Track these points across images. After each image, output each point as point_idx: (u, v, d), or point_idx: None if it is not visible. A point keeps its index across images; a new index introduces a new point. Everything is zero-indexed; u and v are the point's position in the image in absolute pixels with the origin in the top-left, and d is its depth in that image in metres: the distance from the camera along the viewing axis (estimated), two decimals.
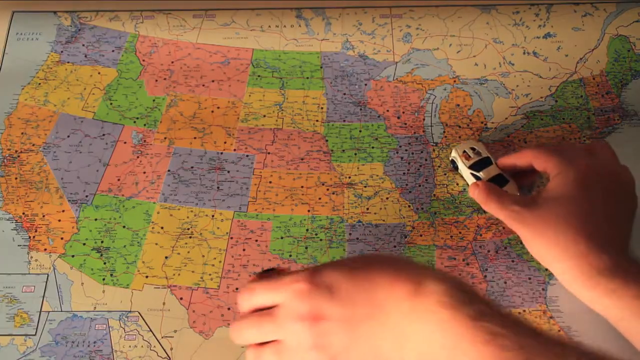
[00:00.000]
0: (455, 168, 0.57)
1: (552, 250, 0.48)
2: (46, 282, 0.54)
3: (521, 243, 0.54)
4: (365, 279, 0.40)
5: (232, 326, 0.44)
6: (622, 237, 0.49)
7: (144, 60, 0.64)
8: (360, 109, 0.61)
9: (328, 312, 0.39)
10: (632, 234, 0.50)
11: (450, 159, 0.58)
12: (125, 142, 0.60)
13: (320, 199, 0.57)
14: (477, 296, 0.39)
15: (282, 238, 0.55)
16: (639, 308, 0.44)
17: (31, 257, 0.55)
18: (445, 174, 0.58)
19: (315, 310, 0.39)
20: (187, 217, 0.56)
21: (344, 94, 0.62)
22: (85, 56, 0.65)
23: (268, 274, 0.44)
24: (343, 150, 0.59)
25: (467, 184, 0.56)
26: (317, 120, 0.61)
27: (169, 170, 0.58)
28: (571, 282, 0.47)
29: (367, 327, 0.39)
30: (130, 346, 0.51)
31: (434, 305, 0.38)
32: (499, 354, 0.35)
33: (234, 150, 0.59)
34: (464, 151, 0.56)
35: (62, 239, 0.55)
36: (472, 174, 0.55)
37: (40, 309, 0.53)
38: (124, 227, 0.56)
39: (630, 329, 0.45)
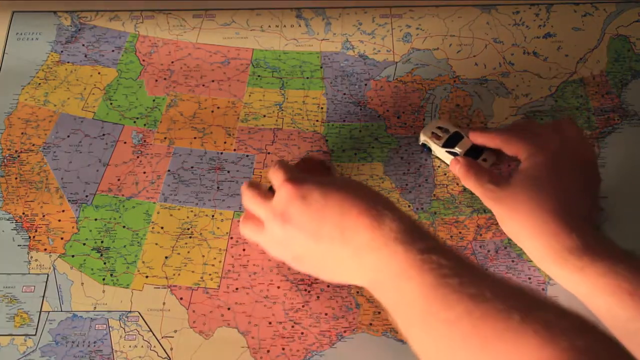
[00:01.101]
0: (429, 151, 0.58)
1: (524, 228, 0.49)
2: (46, 282, 0.54)
3: None
4: (338, 204, 0.44)
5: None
6: (592, 215, 0.51)
7: (144, 60, 0.64)
8: (360, 109, 0.61)
9: (297, 219, 0.45)
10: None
11: (420, 143, 0.58)
12: (125, 142, 0.60)
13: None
14: (429, 235, 0.43)
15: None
16: (604, 285, 0.45)
17: (31, 257, 0.55)
18: (445, 174, 0.58)
19: (287, 213, 0.46)
20: (187, 217, 0.56)
21: (344, 94, 0.62)
22: (85, 56, 0.65)
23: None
24: (343, 150, 0.59)
25: (447, 164, 0.57)
26: (317, 120, 0.61)
27: (169, 170, 0.58)
28: (541, 259, 0.49)
29: (328, 245, 0.44)
30: (130, 346, 0.51)
31: (390, 240, 0.41)
32: (439, 280, 0.38)
33: (234, 150, 0.59)
34: (432, 132, 0.57)
35: (62, 239, 0.55)
36: (447, 152, 0.56)
37: (40, 309, 0.53)
38: (124, 227, 0.56)
39: (597, 306, 0.46)
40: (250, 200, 0.50)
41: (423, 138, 0.57)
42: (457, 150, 0.56)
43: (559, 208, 0.48)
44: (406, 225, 0.42)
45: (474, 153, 0.56)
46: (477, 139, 0.56)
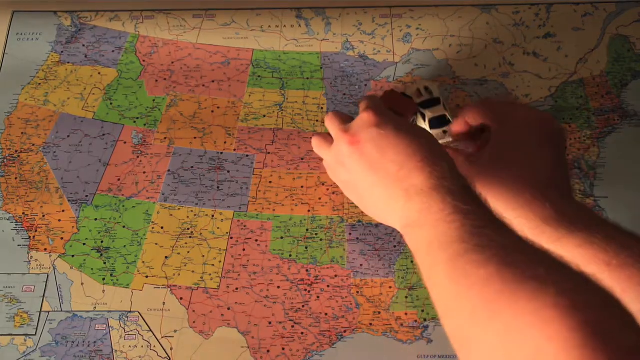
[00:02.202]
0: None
1: (499, 202, 0.49)
2: (46, 282, 0.54)
3: None
4: (406, 144, 0.46)
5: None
6: (565, 182, 0.51)
7: (144, 61, 0.64)
8: None
9: (364, 144, 0.47)
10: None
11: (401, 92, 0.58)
12: (125, 142, 0.60)
13: (320, 199, 0.57)
14: (476, 195, 0.44)
15: (282, 238, 0.55)
16: (581, 257, 0.45)
17: (31, 257, 0.55)
18: None
19: (358, 136, 0.48)
20: (187, 217, 0.56)
21: (344, 94, 0.62)
22: (86, 56, 0.65)
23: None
24: None
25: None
26: (317, 121, 0.61)
27: (169, 170, 0.59)
28: (520, 230, 0.49)
29: (383, 178, 0.46)
30: (130, 346, 0.51)
31: (442, 188, 0.43)
32: (477, 228, 0.40)
33: (234, 150, 0.59)
34: (417, 89, 0.57)
35: (62, 238, 0.55)
36: (419, 110, 0.56)
37: (41, 309, 0.53)
38: (124, 227, 0.56)
39: None
40: (330, 121, 0.51)
41: (408, 92, 0.57)
42: (426, 112, 0.55)
43: (531, 177, 0.49)
44: (460, 182, 0.44)
45: (439, 122, 0.55)
46: (457, 124, 0.55)
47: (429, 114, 0.55)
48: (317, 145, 0.54)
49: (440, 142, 0.54)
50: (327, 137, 0.52)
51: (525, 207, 0.48)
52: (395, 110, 0.52)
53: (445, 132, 0.55)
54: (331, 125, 0.51)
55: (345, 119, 0.51)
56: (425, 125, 0.55)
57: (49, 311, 0.53)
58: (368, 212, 0.51)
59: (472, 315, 0.37)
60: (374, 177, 0.47)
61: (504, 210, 0.49)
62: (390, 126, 0.47)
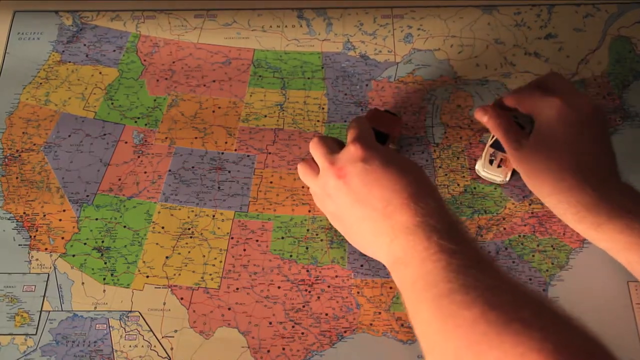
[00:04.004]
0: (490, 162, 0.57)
1: (543, 186, 0.50)
2: (47, 282, 0.54)
3: (522, 244, 0.54)
4: (393, 180, 0.45)
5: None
6: (609, 166, 0.51)
7: (145, 60, 0.64)
8: (362, 110, 0.61)
9: (351, 178, 0.47)
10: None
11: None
12: (126, 142, 0.60)
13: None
14: (464, 231, 0.44)
15: (282, 238, 0.55)
16: (622, 243, 0.46)
17: (32, 256, 0.55)
18: (446, 175, 0.58)
19: (344, 170, 0.47)
20: (188, 217, 0.56)
21: (345, 94, 0.62)
22: (87, 56, 0.65)
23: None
24: None
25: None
26: (318, 121, 0.61)
27: (169, 170, 0.58)
28: (563, 216, 0.50)
29: (369, 213, 0.46)
30: (130, 346, 0.51)
31: (427, 226, 0.43)
32: (463, 268, 0.40)
33: (235, 150, 0.59)
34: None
35: (62, 238, 0.56)
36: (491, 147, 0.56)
37: (41, 309, 0.53)
38: (124, 226, 0.56)
39: (620, 260, 0.48)
40: (316, 148, 0.51)
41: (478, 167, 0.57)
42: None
43: (572, 163, 0.49)
44: (446, 219, 0.44)
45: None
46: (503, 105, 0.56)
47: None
48: (304, 174, 0.53)
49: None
50: (313, 166, 0.52)
51: (567, 192, 0.48)
52: (380, 129, 0.53)
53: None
54: (317, 154, 0.50)
55: (332, 146, 0.50)
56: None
57: (50, 311, 0.53)
58: (355, 245, 0.51)
59: (456, 355, 0.37)
60: (361, 211, 0.46)
61: (548, 195, 0.50)
62: (377, 161, 0.46)
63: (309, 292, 0.53)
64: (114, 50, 0.65)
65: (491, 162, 0.56)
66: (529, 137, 0.53)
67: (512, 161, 0.54)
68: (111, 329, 0.52)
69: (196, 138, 0.60)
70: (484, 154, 0.56)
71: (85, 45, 0.65)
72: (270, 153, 0.59)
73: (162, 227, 0.56)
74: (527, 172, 0.52)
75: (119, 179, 0.58)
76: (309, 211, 0.56)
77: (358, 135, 0.48)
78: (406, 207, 0.44)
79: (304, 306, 0.52)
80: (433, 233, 0.42)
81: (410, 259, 0.43)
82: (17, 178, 0.58)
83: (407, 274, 0.43)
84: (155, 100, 0.62)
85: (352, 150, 0.47)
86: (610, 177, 0.50)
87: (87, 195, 0.57)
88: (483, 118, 0.55)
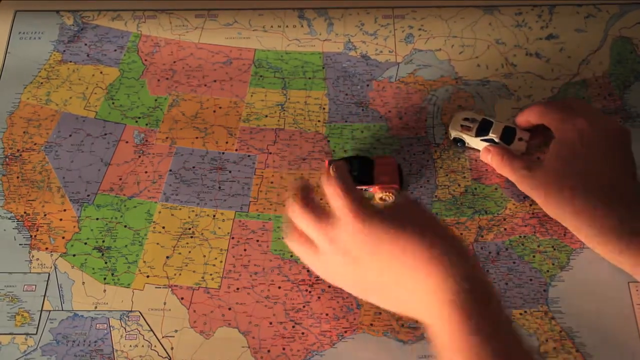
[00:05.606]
0: (462, 144, 0.58)
1: (562, 210, 0.49)
2: (47, 281, 0.54)
3: (522, 244, 0.54)
4: (408, 247, 0.42)
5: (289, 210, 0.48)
6: (631, 188, 0.50)
7: (146, 60, 0.65)
8: (362, 110, 0.61)
9: (364, 259, 0.44)
10: None
11: (452, 139, 0.58)
12: (127, 142, 0.60)
13: (321, 199, 0.57)
14: (490, 294, 0.41)
15: (283, 238, 0.55)
16: None
17: (32, 256, 0.55)
18: (447, 175, 0.57)
19: (351, 252, 0.44)
20: (189, 217, 0.56)
21: (346, 94, 0.62)
22: (88, 55, 0.65)
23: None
24: (345, 151, 0.59)
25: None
26: (318, 121, 0.61)
27: (170, 170, 0.58)
28: (585, 239, 0.50)
29: (394, 283, 0.43)
30: (131, 346, 0.51)
31: (452, 302, 0.41)
32: (481, 343, 0.39)
33: (236, 150, 0.59)
34: (461, 125, 0.57)
35: (63, 238, 0.56)
36: (482, 140, 0.56)
37: (41, 308, 0.53)
38: (125, 226, 0.56)
39: None
40: (304, 222, 0.47)
41: (454, 133, 0.58)
42: (492, 136, 0.56)
43: (594, 186, 0.48)
44: (471, 285, 0.41)
45: (508, 135, 0.56)
46: (520, 118, 0.56)
47: (494, 135, 0.56)
48: (304, 252, 0.49)
49: (521, 149, 0.55)
50: (309, 242, 0.47)
51: (588, 217, 0.48)
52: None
53: (520, 139, 0.55)
54: (310, 229, 0.46)
55: (316, 213, 0.46)
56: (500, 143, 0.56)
57: (50, 310, 0.53)
58: (398, 311, 0.47)
59: None
60: (387, 280, 0.44)
61: (569, 219, 0.49)
62: (383, 235, 0.43)
63: (310, 292, 0.53)
64: (115, 50, 0.65)
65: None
66: (537, 160, 0.52)
67: (523, 188, 0.53)
68: (111, 329, 0.52)
69: (197, 138, 0.60)
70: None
71: (86, 44, 0.65)
72: (271, 153, 0.59)
73: (163, 227, 0.56)
74: (545, 192, 0.51)
75: (120, 179, 0.58)
76: None
77: (346, 201, 0.44)
78: (431, 274, 0.41)
79: (304, 306, 0.52)
80: (454, 312, 0.40)
81: (437, 330, 0.41)
82: (17, 177, 0.58)
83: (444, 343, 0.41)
84: (156, 100, 0.62)
85: (349, 226, 0.43)
86: (633, 199, 0.49)
87: (88, 195, 0.57)
88: (487, 157, 0.56)
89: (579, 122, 0.50)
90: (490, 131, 0.56)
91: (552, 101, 0.54)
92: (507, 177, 0.55)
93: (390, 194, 0.55)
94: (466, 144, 0.58)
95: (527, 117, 0.55)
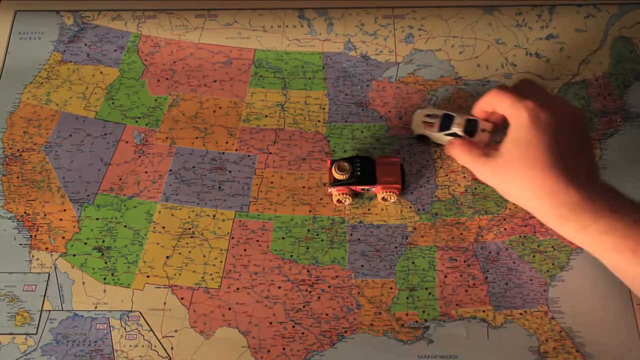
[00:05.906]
0: (426, 140, 0.58)
1: (522, 191, 0.49)
2: (47, 281, 0.54)
3: (522, 244, 0.54)
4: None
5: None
6: (589, 167, 0.50)
7: (146, 60, 0.65)
8: (362, 110, 0.61)
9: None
10: None
11: (415, 136, 0.58)
12: (127, 142, 0.60)
13: (321, 199, 0.57)
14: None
15: (283, 238, 0.55)
16: (608, 244, 0.46)
17: (32, 256, 0.55)
18: (447, 175, 0.57)
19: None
20: (189, 217, 0.56)
21: (346, 94, 0.62)
22: (88, 55, 0.65)
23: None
24: (345, 151, 0.59)
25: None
26: (318, 121, 0.61)
27: (170, 170, 0.59)
28: (546, 219, 0.49)
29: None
30: (131, 346, 0.51)
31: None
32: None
33: (236, 150, 0.59)
34: (423, 122, 0.57)
35: (63, 238, 0.56)
36: (446, 134, 0.56)
37: (41, 308, 0.53)
38: (125, 226, 0.56)
39: (606, 262, 0.47)
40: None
41: (418, 130, 0.58)
42: (455, 130, 0.55)
43: (552, 163, 0.47)
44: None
45: (471, 127, 0.55)
46: (475, 110, 0.55)
47: (458, 129, 0.55)
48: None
49: (484, 140, 0.55)
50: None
51: (550, 194, 0.47)
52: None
53: (483, 130, 0.55)
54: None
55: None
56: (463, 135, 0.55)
57: (50, 310, 0.53)
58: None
59: None
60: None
61: (529, 200, 0.49)
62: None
63: (310, 292, 0.53)
64: (115, 50, 0.65)
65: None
66: (495, 146, 0.52)
67: (485, 175, 0.52)
68: (112, 329, 0.52)
69: (197, 138, 0.60)
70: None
71: (86, 45, 0.65)
72: (271, 153, 0.59)
73: (163, 227, 0.56)
74: (503, 179, 0.51)
75: (120, 179, 0.58)
76: (310, 211, 0.56)
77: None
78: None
79: (304, 306, 0.52)
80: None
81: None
82: (17, 177, 0.58)
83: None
84: (156, 100, 0.62)
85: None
86: (592, 177, 0.49)
87: (88, 195, 0.57)
88: (451, 150, 0.55)
89: (528, 103, 0.49)
90: (453, 125, 0.56)
91: (502, 85, 0.53)
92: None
93: (393, 194, 0.55)
94: (430, 141, 0.58)
95: (481, 107, 0.54)
